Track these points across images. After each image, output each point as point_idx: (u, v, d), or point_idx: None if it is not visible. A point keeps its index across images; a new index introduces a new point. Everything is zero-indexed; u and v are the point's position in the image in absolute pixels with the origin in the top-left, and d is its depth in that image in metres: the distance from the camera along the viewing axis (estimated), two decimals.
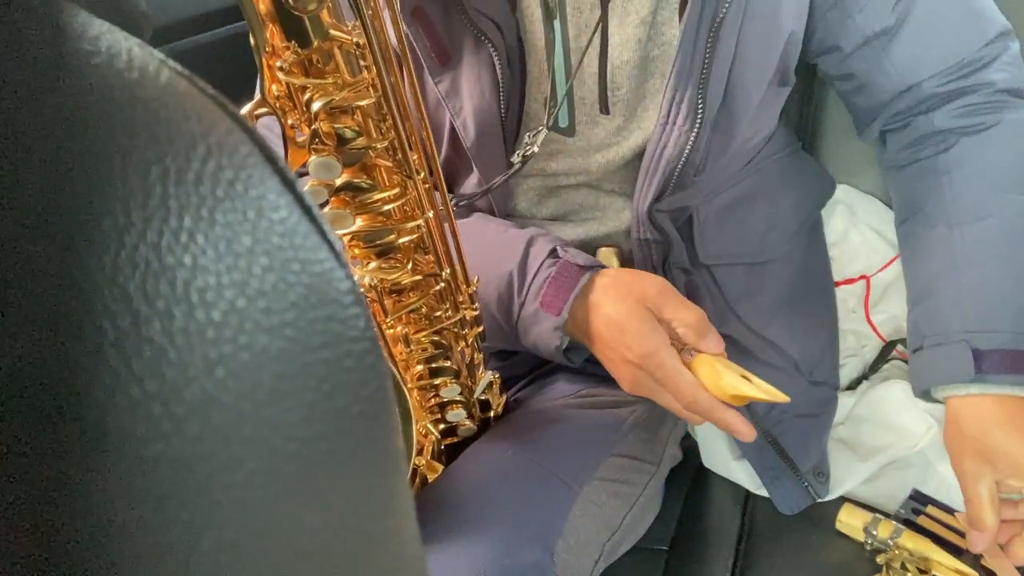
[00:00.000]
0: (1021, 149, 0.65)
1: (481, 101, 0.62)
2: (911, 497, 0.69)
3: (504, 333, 0.63)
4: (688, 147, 0.61)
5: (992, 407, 0.59)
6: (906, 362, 0.82)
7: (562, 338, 0.59)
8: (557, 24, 0.60)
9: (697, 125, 0.60)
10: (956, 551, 0.64)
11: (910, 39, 0.64)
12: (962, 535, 0.66)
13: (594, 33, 0.60)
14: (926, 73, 0.65)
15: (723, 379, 0.53)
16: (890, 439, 0.71)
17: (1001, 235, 0.62)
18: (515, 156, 0.61)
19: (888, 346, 0.83)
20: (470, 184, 0.68)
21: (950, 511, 0.68)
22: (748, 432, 0.54)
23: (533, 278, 0.60)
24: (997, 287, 0.61)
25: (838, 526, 0.68)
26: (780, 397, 0.52)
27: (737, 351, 0.70)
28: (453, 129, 0.65)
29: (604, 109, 0.64)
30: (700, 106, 0.59)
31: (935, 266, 0.65)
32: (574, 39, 0.61)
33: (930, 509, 0.68)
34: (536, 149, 0.60)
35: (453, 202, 0.64)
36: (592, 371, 0.73)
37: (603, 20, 0.60)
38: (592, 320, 0.57)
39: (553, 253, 0.61)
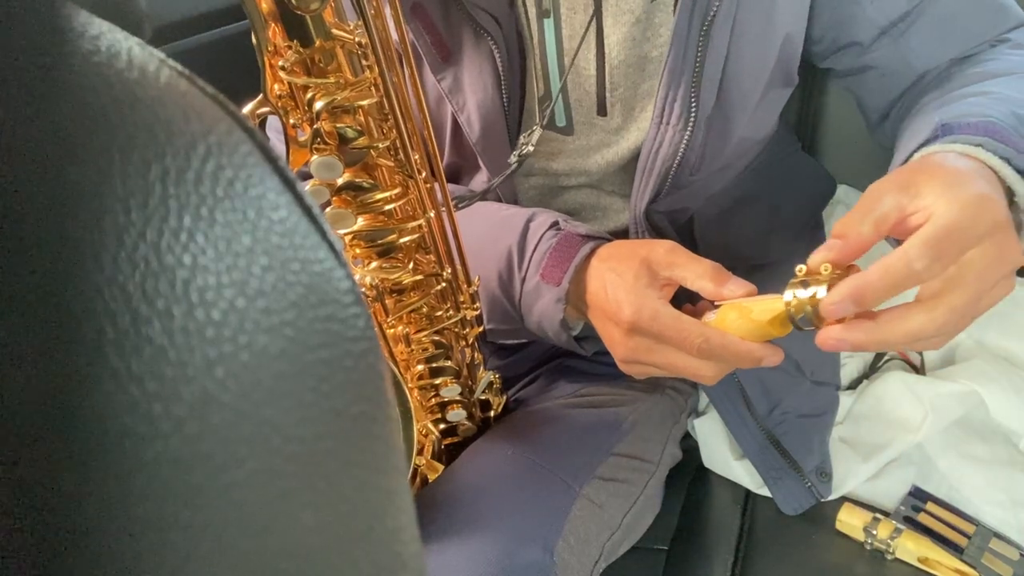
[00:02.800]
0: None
1: (484, 95, 0.62)
2: (911, 494, 0.69)
3: (510, 317, 0.62)
4: (683, 146, 0.60)
5: (933, 154, 0.48)
6: (905, 360, 0.82)
7: (564, 311, 0.56)
8: (549, 23, 0.60)
9: (691, 124, 0.59)
10: (956, 550, 0.64)
11: (930, 24, 0.62)
12: (963, 533, 0.66)
13: (586, 32, 0.59)
14: (946, 57, 0.63)
15: (753, 311, 0.47)
16: (891, 434, 0.72)
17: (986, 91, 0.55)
18: (512, 156, 0.61)
19: None
20: (476, 184, 0.68)
21: (951, 508, 0.68)
22: (775, 354, 0.48)
23: (534, 251, 0.58)
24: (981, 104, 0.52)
25: (838, 526, 0.68)
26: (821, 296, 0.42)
27: None
28: (456, 128, 0.65)
29: (601, 110, 0.63)
30: (693, 105, 0.59)
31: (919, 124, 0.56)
32: (568, 39, 0.61)
33: (930, 506, 0.68)
34: (531, 148, 0.60)
35: (454, 202, 0.63)
36: (593, 370, 0.73)
37: (597, 20, 0.59)
38: (590, 285, 0.55)
39: (555, 225, 0.59)
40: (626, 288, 0.52)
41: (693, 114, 0.59)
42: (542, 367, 0.77)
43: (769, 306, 0.46)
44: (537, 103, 0.64)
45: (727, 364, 0.50)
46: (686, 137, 0.60)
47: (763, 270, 0.71)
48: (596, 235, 0.59)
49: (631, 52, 0.61)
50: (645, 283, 0.52)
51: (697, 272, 0.51)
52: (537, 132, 0.60)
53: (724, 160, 0.65)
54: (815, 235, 0.79)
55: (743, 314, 0.48)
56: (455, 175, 0.71)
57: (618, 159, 0.65)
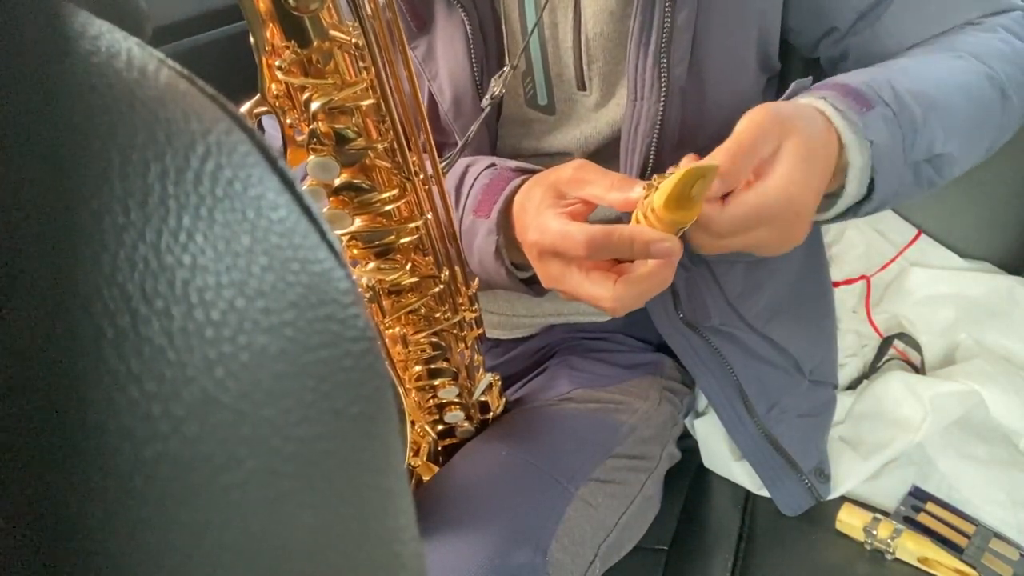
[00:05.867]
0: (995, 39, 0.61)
1: (455, 65, 0.62)
2: (911, 494, 0.69)
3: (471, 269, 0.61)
4: (659, 119, 0.60)
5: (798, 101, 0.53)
6: (905, 361, 0.82)
7: (496, 242, 0.56)
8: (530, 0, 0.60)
9: (663, 95, 0.59)
10: (956, 550, 0.64)
11: (907, 6, 0.61)
12: (963, 533, 0.66)
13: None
14: (920, 38, 0.62)
15: (657, 192, 0.45)
16: (891, 434, 0.72)
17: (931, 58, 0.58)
18: (484, 101, 0.60)
19: (886, 342, 0.83)
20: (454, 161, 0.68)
21: (950, 508, 0.68)
22: (666, 239, 0.47)
23: (469, 190, 0.58)
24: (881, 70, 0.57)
25: (838, 526, 0.68)
26: (709, 162, 0.44)
27: (738, 348, 0.70)
28: (432, 104, 0.66)
29: (580, 85, 0.64)
30: (664, 75, 0.58)
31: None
32: (549, 14, 0.61)
33: (930, 506, 0.68)
34: (499, 91, 0.59)
35: (441, 164, 0.62)
36: (592, 370, 0.73)
37: None
38: (513, 217, 0.55)
39: (491, 166, 0.59)
40: (532, 212, 0.52)
41: (664, 85, 0.58)
42: (539, 367, 0.77)
43: (662, 189, 0.45)
44: (519, 80, 0.64)
45: (623, 256, 0.50)
46: (660, 110, 0.59)
47: (761, 267, 0.71)
48: (528, 168, 0.58)
49: (609, 25, 0.61)
50: (548, 204, 0.52)
51: (606, 185, 0.50)
52: (508, 73, 0.59)
53: (707, 136, 0.63)
54: (813, 234, 0.79)
55: (646, 208, 0.47)
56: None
57: (599, 137, 0.65)
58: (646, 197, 0.48)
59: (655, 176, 0.48)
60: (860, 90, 0.52)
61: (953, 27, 0.62)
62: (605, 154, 0.67)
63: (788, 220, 0.48)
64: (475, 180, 0.59)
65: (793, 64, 0.72)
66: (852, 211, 0.55)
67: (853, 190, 0.52)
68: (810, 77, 0.56)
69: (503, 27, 0.62)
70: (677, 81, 0.59)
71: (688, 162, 0.48)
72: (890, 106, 0.52)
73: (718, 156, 0.48)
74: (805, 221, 0.49)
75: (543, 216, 0.51)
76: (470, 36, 0.61)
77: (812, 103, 0.52)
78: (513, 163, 0.60)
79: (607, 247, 0.48)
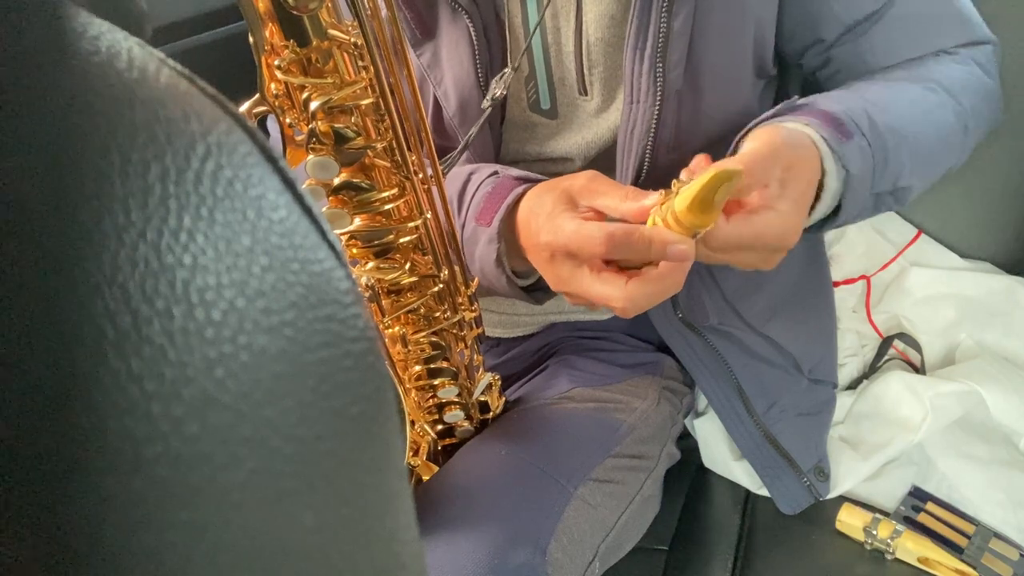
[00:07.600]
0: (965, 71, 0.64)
1: (460, 70, 0.62)
2: (911, 494, 0.69)
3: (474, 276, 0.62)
4: (654, 122, 0.60)
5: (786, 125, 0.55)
6: (906, 360, 0.82)
7: (498, 250, 0.56)
8: (532, 3, 0.61)
9: (659, 99, 0.59)
10: (956, 550, 0.64)
11: (892, 25, 0.63)
12: (963, 533, 0.66)
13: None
14: (900, 58, 0.64)
15: (674, 205, 0.46)
16: (891, 433, 0.72)
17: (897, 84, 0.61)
18: (484, 102, 0.61)
19: (886, 342, 0.83)
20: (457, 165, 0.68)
21: (950, 508, 0.68)
22: (683, 242, 0.47)
23: (472, 198, 0.59)
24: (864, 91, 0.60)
25: (838, 526, 0.68)
26: (735, 165, 0.44)
27: (737, 348, 0.70)
28: (437, 109, 0.66)
29: (582, 89, 0.64)
30: (660, 79, 0.58)
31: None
32: (551, 18, 0.62)
33: (930, 506, 0.68)
34: (501, 92, 0.59)
35: (441, 165, 0.62)
36: (591, 369, 0.73)
37: None
38: (519, 223, 0.56)
39: (494, 174, 0.60)
40: (544, 215, 0.53)
41: (660, 88, 0.59)
42: (539, 366, 0.77)
43: (685, 192, 0.46)
44: (521, 84, 0.64)
45: (639, 258, 0.50)
46: (656, 113, 0.59)
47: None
48: (531, 177, 0.59)
49: (609, 30, 0.61)
50: (562, 209, 0.52)
51: (619, 196, 0.51)
52: (509, 75, 0.60)
53: (702, 139, 0.64)
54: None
55: (664, 212, 0.48)
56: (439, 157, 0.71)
57: (600, 142, 0.65)
58: (663, 203, 0.48)
59: (674, 182, 0.48)
60: (840, 119, 0.55)
61: (930, 52, 0.65)
62: (606, 160, 0.67)
63: (776, 249, 0.51)
64: (477, 188, 0.59)
65: (789, 70, 0.72)
66: (815, 228, 0.58)
67: (821, 212, 0.55)
68: (796, 97, 0.58)
69: (507, 33, 0.63)
70: (673, 85, 0.59)
71: (706, 164, 0.49)
72: (866, 137, 0.54)
73: (735, 163, 0.48)
74: (786, 250, 0.53)
75: (558, 219, 0.52)
76: (475, 42, 0.61)
77: (801, 129, 0.54)
78: (516, 172, 0.60)
79: (626, 245, 0.49)
